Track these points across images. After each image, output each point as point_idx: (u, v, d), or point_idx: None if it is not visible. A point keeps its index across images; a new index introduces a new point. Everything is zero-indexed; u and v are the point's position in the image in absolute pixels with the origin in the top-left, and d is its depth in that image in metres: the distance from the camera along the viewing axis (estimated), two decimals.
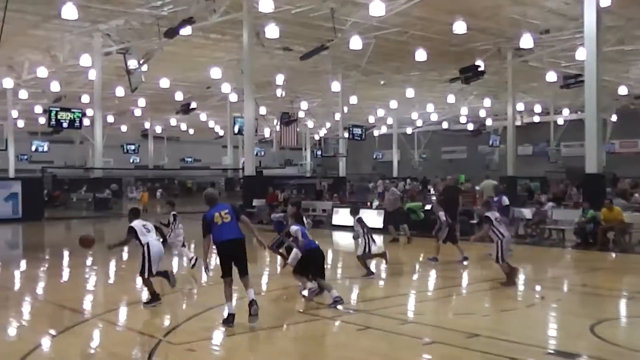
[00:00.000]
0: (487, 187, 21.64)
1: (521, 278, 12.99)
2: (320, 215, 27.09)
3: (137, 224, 10.40)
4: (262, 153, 51.69)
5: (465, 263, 14.90)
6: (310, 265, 10.49)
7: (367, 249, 13.12)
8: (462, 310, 10.55)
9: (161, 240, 10.99)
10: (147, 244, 10.25)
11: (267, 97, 42.21)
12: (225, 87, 39.85)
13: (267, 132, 49.49)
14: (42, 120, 47.60)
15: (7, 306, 11.15)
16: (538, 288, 12.56)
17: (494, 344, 8.04)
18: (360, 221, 13.34)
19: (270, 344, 8.26)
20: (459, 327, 8.93)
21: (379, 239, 21.59)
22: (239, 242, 8.93)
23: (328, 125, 40.55)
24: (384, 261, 14.11)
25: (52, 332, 8.94)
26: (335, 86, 37.27)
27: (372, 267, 13.71)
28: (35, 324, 9.84)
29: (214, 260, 10.06)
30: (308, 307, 10.27)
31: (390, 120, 58.65)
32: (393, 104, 48.02)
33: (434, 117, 54.82)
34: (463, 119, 53.77)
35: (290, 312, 10.20)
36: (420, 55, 29.02)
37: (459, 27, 25.59)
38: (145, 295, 10.56)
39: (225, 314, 8.88)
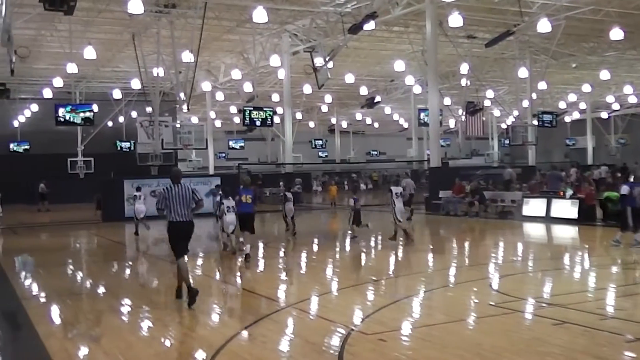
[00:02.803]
0: None
1: None
2: (510, 205, 26.19)
3: None
4: (448, 144, 51.07)
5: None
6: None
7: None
8: None
9: None
10: None
11: (452, 87, 41.73)
12: (409, 80, 39.87)
13: (452, 123, 48.77)
14: (237, 119, 50.68)
15: (211, 294, 11.99)
16: None
17: None
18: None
19: (461, 336, 8.14)
20: None
21: (574, 230, 20.60)
22: (250, 214, 15.25)
23: (515, 113, 39.19)
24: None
25: (251, 319, 9.45)
26: (523, 72, 35.92)
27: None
28: (235, 311, 10.50)
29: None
30: (500, 300, 10.03)
31: (583, 105, 55.80)
32: (586, 88, 45.62)
33: (633, 100, 51.15)
34: None
35: (481, 305, 10.00)
36: (617, 34, 27.07)
37: None
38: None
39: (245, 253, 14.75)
